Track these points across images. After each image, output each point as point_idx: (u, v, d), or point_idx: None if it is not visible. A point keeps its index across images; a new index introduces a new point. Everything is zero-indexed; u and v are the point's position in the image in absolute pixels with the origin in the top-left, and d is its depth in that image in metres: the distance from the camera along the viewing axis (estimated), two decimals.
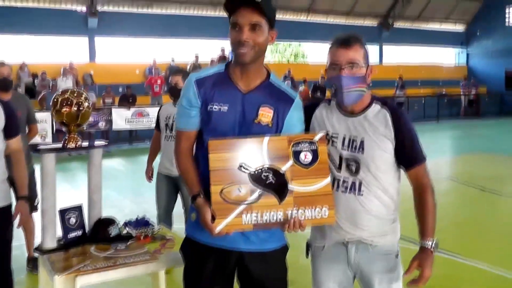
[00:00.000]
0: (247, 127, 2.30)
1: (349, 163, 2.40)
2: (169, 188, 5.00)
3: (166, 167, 4.95)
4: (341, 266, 2.48)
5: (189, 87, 2.36)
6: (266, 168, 2.21)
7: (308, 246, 2.61)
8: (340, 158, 2.42)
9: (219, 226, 2.16)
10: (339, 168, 2.42)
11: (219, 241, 2.31)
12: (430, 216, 2.38)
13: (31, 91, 16.26)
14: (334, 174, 2.43)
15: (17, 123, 3.46)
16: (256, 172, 2.20)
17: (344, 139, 2.42)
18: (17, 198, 3.43)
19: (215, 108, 2.31)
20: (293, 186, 2.21)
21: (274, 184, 2.20)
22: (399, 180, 2.50)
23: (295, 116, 2.39)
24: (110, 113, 15.40)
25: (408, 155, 2.41)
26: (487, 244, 5.88)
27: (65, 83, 16.24)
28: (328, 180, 2.24)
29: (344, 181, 2.41)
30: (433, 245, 2.33)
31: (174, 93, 4.94)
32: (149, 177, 5.28)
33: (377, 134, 2.38)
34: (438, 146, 14.95)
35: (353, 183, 2.40)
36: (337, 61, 2.35)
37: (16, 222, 3.41)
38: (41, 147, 3.13)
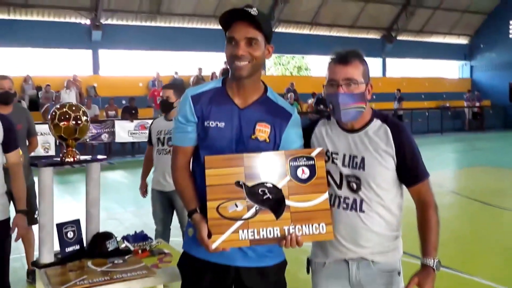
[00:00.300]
0: (244, 143, 2.28)
1: (349, 180, 2.37)
2: (164, 204, 4.93)
3: (159, 182, 4.89)
4: (342, 283, 2.44)
5: (185, 103, 2.34)
6: (263, 184, 2.19)
7: (309, 262, 2.58)
8: (341, 175, 2.39)
9: (216, 242, 2.14)
10: (340, 186, 2.39)
11: (216, 257, 2.29)
12: (433, 234, 2.33)
13: (35, 104, 16.34)
14: (335, 192, 2.40)
15: (16, 137, 3.46)
16: (253, 188, 2.18)
17: (344, 156, 2.39)
18: (16, 211, 3.43)
19: (212, 124, 2.30)
20: (290, 202, 2.19)
21: (271, 200, 2.18)
22: (401, 197, 2.46)
23: (292, 132, 2.37)
24: (113, 126, 15.46)
25: (410, 172, 2.37)
26: (489, 258, 5.83)
27: (69, 96, 16.32)
28: (326, 195, 2.22)
29: (345, 199, 2.38)
30: (435, 263, 2.28)
31: (165, 107, 4.90)
32: (143, 192, 5.24)
33: (379, 150, 2.34)
34: (442, 159, 14.95)
35: (354, 201, 2.37)
36: (335, 78, 2.32)
37: (14, 235, 3.41)
38: (39, 161, 3.13)
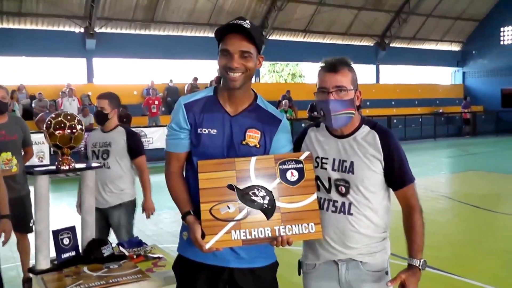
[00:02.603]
0: (235, 149, 2.37)
1: (338, 184, 2.44)
2: (100, 221, 4.45)
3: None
4: (332, 284, 2.51)
5: (178, 110, 2.43)
6: (254, 187, 2.28)
7: (300, 264, 2.64)
8: (329, 180, 2.46)
9: (210, 243, 2.22)
10: (329, 190, 2.47)
11: (211, 259, 2.37)
12: (418, 237, 2.43)
13: (28, 113, 16.32)
14: (324, 196, 2.47)
15: None
16: (244, 190, 2.26)
17: (334, 161, 2.47)
18: (0, 216, 3.43)
19: (204, 131, 2.38)
20: (280, 203, 2.27)
21: (262, 201, 2.26)
22: (389, 200, 2.54)
23: (282, 137, 2.46)
24: None
25: (396, 177, 2.46)
26: (482, 261, 5.89)
27: (71, 104, 16.34)
28: (314, 196, 2.31)
29: (334, 202, 2.45)
30: (421, 263, 2.38)
31: (100, 118, 4.59)
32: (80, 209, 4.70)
33: (367, 155, 2.42)
34: (435, 164, 15.02)
35: (343, 204, 2.44)
36: (325, 86, 2.40)
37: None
38: (35, 169, 3.17)
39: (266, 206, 2.26)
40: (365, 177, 2.42)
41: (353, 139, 2.46)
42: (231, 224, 2.23)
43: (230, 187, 2.26)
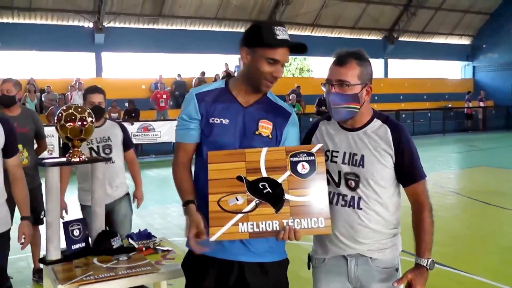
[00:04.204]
0: (248, 139, 2.38)
1: (348, 178, 2.43)
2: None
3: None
4: (341, 279, 2.50)
5: (190, 101, 2.45)
6: (264, 179, 2.26)
7: (310, 258, 2.64)
8: (339, 174, 2.45)
9: (216, 235, 2.20)
10: (338, 183, 2.46)
11: (220, 253, 2.36)
12: (427, 235, 2.39)
13: (38, 106, 16.41)
14: (333, 189, 2.46)
15: (16, 141, 3.38)
16: (254, 182, 2.25)
17: (344, 154, 2.45)
18: (21, 218, 3.37)
19: (216, 121, 2.40)
20: (289, 196, 2.24)
21: (271, 194, 2.24)
22: (399, 196, 2.52)
23: (291, 132, 2.48)
24: None
25: (406, 172, 2.43)
26: (489, 257, 5.89)
27: (80, 98, 16.41)
28: (325, 190, 2.28)
29: (343, 196, 2.44)
30: (429, 263, 2.35)
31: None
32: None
33: (378, 149, 2.41)
34: (444, 159, 14.96)
35: (352, 198, 2.43)
36: (329, 78, 2.41)
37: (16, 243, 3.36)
38: (46, 161, 3.20)
39: (275, 198, 2.24)
40: (375, 171, 2.40)
41: (364, 133, 2.45)
42: (238, 216, 2.21)
43: (240, 178, 2.25)
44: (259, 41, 2.30)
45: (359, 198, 2.42)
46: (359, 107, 2.41)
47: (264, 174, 2.27)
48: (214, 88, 2.49)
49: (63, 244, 3.27)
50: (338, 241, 2.45)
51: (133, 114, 16.51)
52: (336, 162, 2.46)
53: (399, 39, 27.01)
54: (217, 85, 2.51)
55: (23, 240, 3.32)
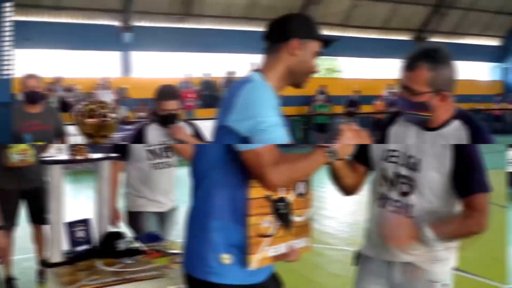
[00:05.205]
0: None
1: (402, 182, 2.28)
2: (156, 226, 4.20)
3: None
4: (381, 281, 2.39)
5: (271, 94, 2.07)
6: (281, 198, 2.12)
7: (357, 254, 2.53)
8: (394, 175, 2.31)
9: (254, 262, 2.02)
10: (391, 187, 2.32)
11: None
12: (454, 224, 2.19)
13: (64, 105, 16.53)
14: (384, 192, 2.33)
15: None
16: (276, 202, 2.10)
17: (403, 155, 2.30)
18: None
19: None
20: (294, 216, 2.17)
21: (286, 214, 2.12)
22: (455, 207, 2.29)
23: None
24: None
25: (464, 181, 2.21)
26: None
27: (108, 96, 16.49)
28: (311, 210, 2.26)
29: (395, 201, 2.30)
30: (431, 235, 2.14)
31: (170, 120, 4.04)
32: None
33: (443, 154, 2.20)
34: None
35: (404, 204, 2.28)
36: (400, 81, 2.26)
37: None
38: (47, 159, 3.11)
39: (288, 219, 2.13)
40: (432, 178, 2.21)
41: (438, 134, 2.26)
42: (267, 240, 2.05)
43: (267, 198, 2.06)
44: (311, 33, 2.14)
45: (411, 205, 2.26)
46: (429, 114, 2.24)
47: (281, 193, 2.12)
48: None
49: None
50: (388, 247, 2.29)
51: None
52: (393, 163, 2.32)
53: (429, 39, 26.61)
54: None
55: None
